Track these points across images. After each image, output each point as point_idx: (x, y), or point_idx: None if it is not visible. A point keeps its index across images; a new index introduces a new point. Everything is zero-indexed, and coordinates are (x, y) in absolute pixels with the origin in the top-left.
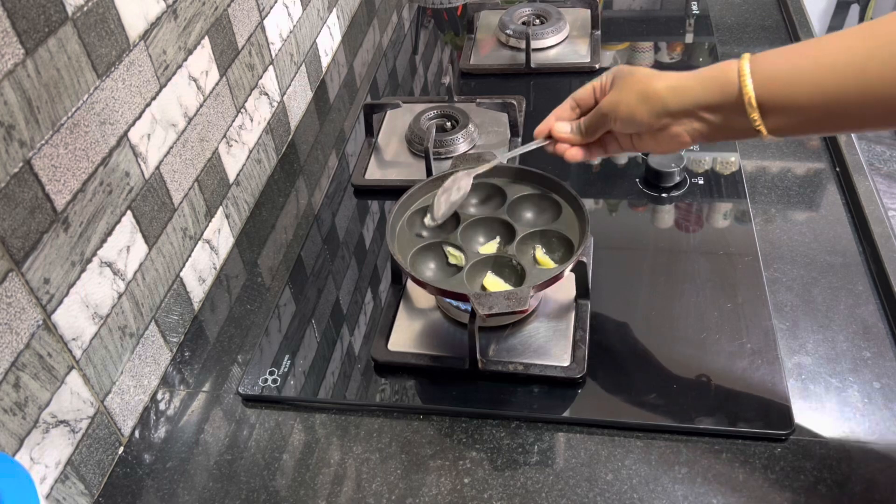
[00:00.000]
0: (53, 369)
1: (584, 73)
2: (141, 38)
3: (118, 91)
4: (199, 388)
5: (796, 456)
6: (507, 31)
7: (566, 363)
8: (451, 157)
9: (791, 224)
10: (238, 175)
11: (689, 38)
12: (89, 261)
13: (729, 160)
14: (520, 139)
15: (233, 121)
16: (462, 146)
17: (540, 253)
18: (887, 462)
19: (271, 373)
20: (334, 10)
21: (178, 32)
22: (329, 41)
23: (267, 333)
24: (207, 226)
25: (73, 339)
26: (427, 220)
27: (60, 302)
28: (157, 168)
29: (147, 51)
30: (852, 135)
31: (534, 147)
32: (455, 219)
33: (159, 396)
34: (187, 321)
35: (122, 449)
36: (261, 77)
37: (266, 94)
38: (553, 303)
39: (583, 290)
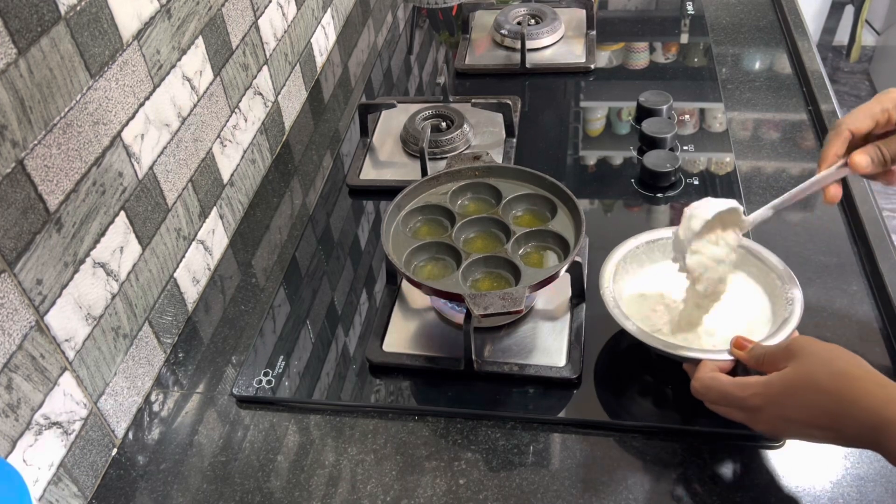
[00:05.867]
0: (46, 371)
1: (580, 73)
2: (134, 37)
3: (111, 91)
4: (192, 389)
5: (791, 457)
6: (503, 31)
7: (561, 364)
8: (446, 158)
9: (786, 224)
10: (232, 175)
11: (684, 38)
12: (82, 261)
13: (724, 160)
14: (514, 140)
15: (227, 121)
16: (457, 146)
17: (535, 253)
18: (881, 463)
19: (265, 374)
20: (329, 9)
21: (171, 32)
22: (324, 41)
23: (261, 334)
24: (201, 226)
25: (66, 341)
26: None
27: (53, 303)
28: (151, 168)
29: (140, 50)
30: None
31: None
32: (450, 218)
33: (153, 398)
34: (181, 322)
35: (115, 450)
36: (255, 77)
37: (260, 93)
38: (548, 303)
39: (578, 291)
